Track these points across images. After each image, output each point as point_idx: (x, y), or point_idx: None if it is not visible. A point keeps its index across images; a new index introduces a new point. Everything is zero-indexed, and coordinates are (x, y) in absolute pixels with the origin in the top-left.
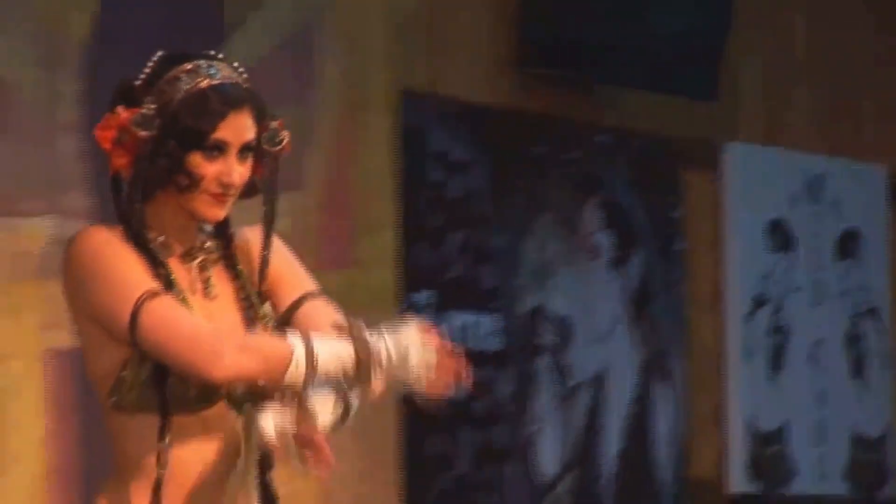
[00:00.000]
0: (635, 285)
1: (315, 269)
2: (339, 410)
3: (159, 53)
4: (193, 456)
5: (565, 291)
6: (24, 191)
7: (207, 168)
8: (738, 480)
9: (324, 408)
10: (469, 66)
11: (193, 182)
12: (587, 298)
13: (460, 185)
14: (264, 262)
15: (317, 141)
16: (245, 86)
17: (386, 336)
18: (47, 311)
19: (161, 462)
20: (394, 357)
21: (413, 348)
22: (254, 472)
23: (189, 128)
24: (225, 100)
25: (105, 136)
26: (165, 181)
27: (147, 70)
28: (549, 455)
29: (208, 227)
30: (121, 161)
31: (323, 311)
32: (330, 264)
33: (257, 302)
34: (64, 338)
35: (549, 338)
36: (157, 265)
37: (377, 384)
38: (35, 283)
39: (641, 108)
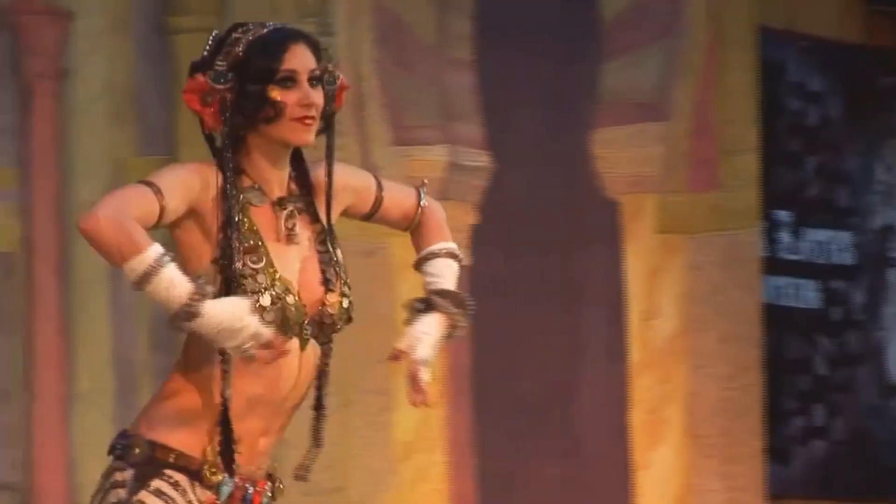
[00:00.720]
0: None
1: (684, 191)
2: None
3: (213, 33)
4: (254, 385)
5: None
6: (420, 121)
7: (287, 96)
8: None
9: (425, 341)
10: (822, 5)
11: (278, 111)
12: None
13: (816, 113)
14: (329, 198)
15: (684, 72)
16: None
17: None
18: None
19: (224, 391)
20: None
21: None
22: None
23: (260, 66)
24: (282, 35)
25: (192, 98)
26: (253, 121)
27: (208, 45)
28: None
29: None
30: (210, 119)
31: (399, 193)
32: (697, 187)
33: (333, 247)
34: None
35: None
36: (236, 211)
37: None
38: None
39: None
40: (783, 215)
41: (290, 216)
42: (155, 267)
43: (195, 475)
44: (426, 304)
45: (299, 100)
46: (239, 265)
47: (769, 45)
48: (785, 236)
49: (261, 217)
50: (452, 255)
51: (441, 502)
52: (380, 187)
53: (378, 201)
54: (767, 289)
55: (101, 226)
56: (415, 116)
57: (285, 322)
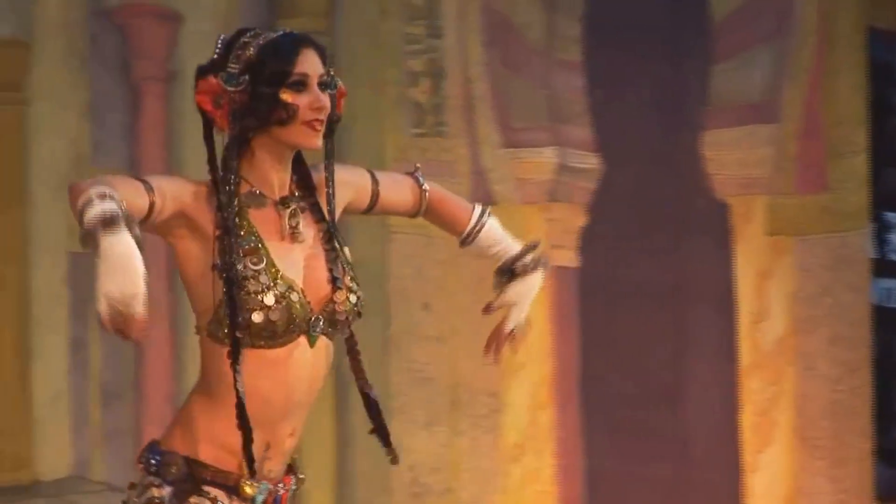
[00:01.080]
0: None
1: (793, 193)
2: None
3: (221, 36)
4: (269, 385)
5: None
6: (529, 123)
7: (299, 99)
8: None
9: (520, 306)
10: None
11: (291, 114)
12: None
13: None
14: (330, 196)
15: (793, 74)
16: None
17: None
18: (552, 230)
19: (238, 388)
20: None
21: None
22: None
23: (273, 69)
24: (293, 40)
25: (203, 100)
26: (266, 123)
27: (217, 50)
28: None
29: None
30: (222, 120)
31: (395, 183)
32: (807, 188)
33: (340, 244)
34: (567, 256)
35: None
36: (233, 214)
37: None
38: (540, 207)
39: None
40: (893, 217)
41: (294, 215)
42: (101, 195)
43: (232, 490)
44: (511, 273)
45: (310, 103)
46: (240, 267)
47: (878, 46)
48: (894, 238)
49: (262, 218)
50: (487, 214)
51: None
52: (375, 181)
53: (375, 195)
54: (876, 290)
55: (81, 184)
56: (524, 118)
57: (291, 320)
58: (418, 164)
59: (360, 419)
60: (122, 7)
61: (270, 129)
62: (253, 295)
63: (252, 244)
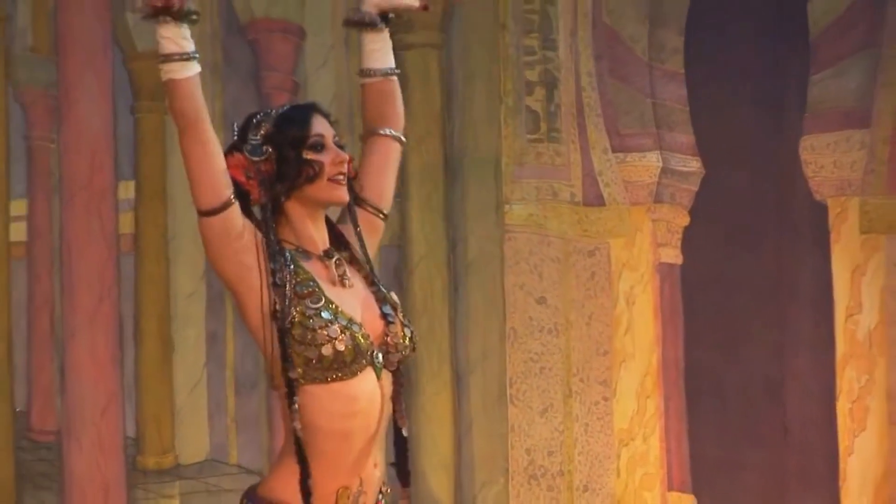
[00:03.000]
0: None
1: (885, 194)
2: None
3: (234, 123)
4: (332, 423)
5: None
6: (636, 129)
7: (321, 157)
8: None
9: None
10: None
11: (318, 170)
12: None
13: None
14: (360, 236)
15: (885, 82)
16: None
17: None
18: (657, 230)
19: (294, 429)
20: None
21: None
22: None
23: (293, 134)
24: (303, 107)
25: (237, 174)
26: (296, 182)
27: (235, 133)
28: None
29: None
30: (256, 190)
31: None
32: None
33: (384, 287)
34: (672, 254)
35: None
36: (288, 264)
37: None
38: (646, 207)
39: None
40: None
41: (339, 264)
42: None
43: None
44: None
45: (332, 159)
46: (300, 309)
47: None
48: None
49: (313, 270)
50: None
51: (657, 485)
52: (381, 215)
53: (375, 208)
54: None
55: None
56: (630, 125)
57: (357, 348)
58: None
59: (478, 405)
60: (252, 23)
61: (300, 190)
62: (319, 331)
63: (310, 288)
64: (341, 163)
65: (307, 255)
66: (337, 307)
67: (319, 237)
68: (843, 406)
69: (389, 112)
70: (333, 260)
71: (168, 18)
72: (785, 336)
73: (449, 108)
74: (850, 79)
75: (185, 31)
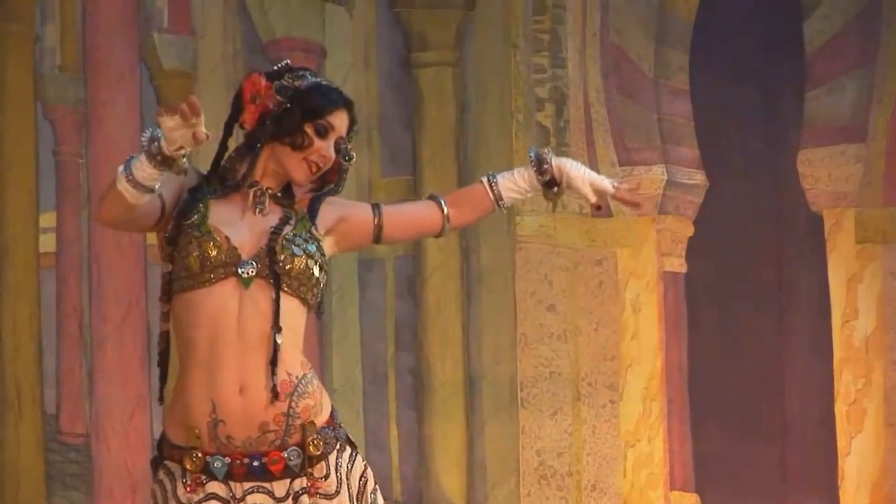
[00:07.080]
0: None
1: (880, 205)
2: None
3: (286, 61)
4: (179, 332)
5: None
6: (642, 144)
7: (316, 141)
8: None
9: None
10: None
11: (306, 145)
12: None
13: None
14: (314, 201)
15: (879, 98)
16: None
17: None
18: (662, 240)
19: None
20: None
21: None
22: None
23: (314, 105)
24: (340, 94)
25: (247, 89)
26: (282, 137)
27: (280, 64)
28: None
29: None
30: (250, 115)
31: (409, 211)
32: (891, 200)
33: (293, 223)
34: (676, 263)
35: None
36: (196, 196)
37: None
38: (652, 219)
39: None
40: None
41: (260, 194)
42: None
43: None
44: (548, 182)
45: (321, 149)
46: (172, 226)
47: None
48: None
49: (231, 198)
50: (489, 176)
51: (662, 485)
52: (378, 214)
53: (378, 227)
54: None
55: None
56: (637, 139)
57: (204, 258)
58: (433, 193)
59: (490, 408)
60: (273, 43)
61: (278, 144)
62: (181, 243)
63: (195, 211)
64: (325, 158)
65: (237, 186)
66: (207, 223)
67: (268, 182)
68: (840, 408)
69: (465, 212)
70: (254, 189)
71: (163, 165)
72: (784, 341)
73: (462, 124)
74: (845, 95)
75: (164, 176)
